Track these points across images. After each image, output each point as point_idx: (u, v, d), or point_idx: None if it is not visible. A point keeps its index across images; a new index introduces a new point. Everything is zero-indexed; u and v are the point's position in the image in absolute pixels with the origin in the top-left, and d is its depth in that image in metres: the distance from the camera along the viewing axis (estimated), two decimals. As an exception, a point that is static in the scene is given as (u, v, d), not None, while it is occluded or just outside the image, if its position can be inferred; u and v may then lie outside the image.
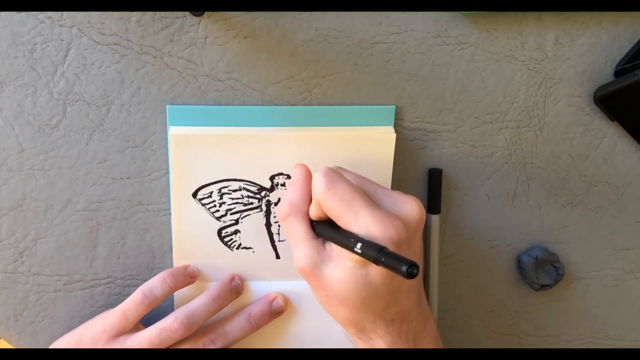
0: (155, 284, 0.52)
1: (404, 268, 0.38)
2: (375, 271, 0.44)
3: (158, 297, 0.52)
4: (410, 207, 0.45)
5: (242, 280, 0.55)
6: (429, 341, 0.49)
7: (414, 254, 0.46)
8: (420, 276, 0.49)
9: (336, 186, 0.45)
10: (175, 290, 0.53)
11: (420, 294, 0.49)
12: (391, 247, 0.42)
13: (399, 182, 0.55)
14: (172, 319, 0.51)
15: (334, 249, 0.45)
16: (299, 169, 0.49)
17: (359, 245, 0.42)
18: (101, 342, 0.52)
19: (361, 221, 0.43)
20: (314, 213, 0.47)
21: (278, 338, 0.57)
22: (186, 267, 0.54)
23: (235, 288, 0.55)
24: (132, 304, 0.52)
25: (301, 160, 0.51)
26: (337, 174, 0.46)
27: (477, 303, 0.61)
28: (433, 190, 0.56)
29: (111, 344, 0.52)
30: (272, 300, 0.55)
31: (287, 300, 0.56)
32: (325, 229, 0.46)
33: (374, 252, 0.41)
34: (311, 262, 0.45)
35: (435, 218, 0.56)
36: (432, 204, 0.56)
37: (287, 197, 0.48)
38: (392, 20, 0.51)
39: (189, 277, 0.54)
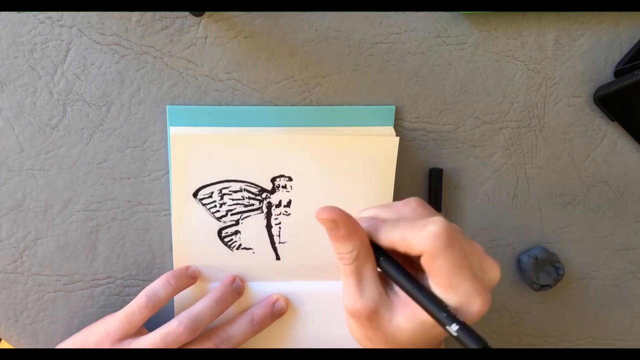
0: (158, 287, 0.52)
1: (479, 346, 0.38)
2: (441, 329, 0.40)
3: (162, 300, 0.52)
4: (494, 273, 0.42)
5: (243, 281, 0.55)
6: None
7: None
8: None
9: (455, 246, 0.39)
10: (179, 292, 0.53)
11: None
12: (475, 319, 0.40)
13: (400, 183, 0.55)
14: (177, 323, 0.51)
15: (400, 294, 0.42)
16: (339, 221, 0.41)
17: (456, 327, 0.39)
18: (105, 347, 0.52)
19: (462, 290, 0.39)
20: (389, 241, 0.41)
21: (279, 338, 0.57)
22: (187, 268, 0.54)
23: (236, 289, 0.55)
24: (137, 307, 0.52)
25: (302, 162, 0.51)
26: (458, 231, 0.41)
27: (477, 303, 0.61)
28: (434, 190, 0.56)
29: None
30: (274, 302, 0.55)
31: (288, 302, 0.56)
32: (400, 277, 0.41)
33: (452, 323, 0.38)
34: (374, 306, 0.42)
35: (435, 218, 0.56)
36: (433, 203, 0.56)
37: (355, 245, 0.42)
38: (392, 20, 0.51)
39: (190, 278, 0.54)
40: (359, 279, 0.42)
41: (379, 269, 0.43)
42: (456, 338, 0.38)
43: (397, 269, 0.42)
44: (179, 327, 0.51)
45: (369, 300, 0.41)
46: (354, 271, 0.42)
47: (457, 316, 0.39)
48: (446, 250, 0.39)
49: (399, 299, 0.42)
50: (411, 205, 0.44)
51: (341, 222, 0.41)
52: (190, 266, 0.54)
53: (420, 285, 0.41)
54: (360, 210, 0.46)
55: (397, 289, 0.42)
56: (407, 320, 0.41)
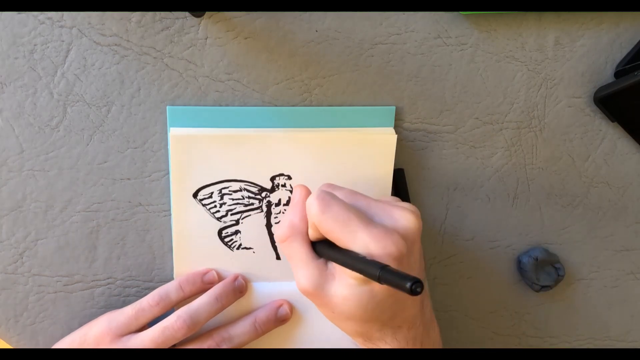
0: (171, 289, 0.53)
1: (408, 285, 0.38)
2: (379, 285, 0.43)
3: (173, 302, 0.53)
4: (406, 219, 0.45)
5: (246, 280, 0.55)
6: (432, 346, 0.49)
7: (415, 263, 0.46)
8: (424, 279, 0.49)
9: (330, 208, 0.44)
10: (192, 296, 0.54)
11: (423, 299, 0.49)
12: (392, 263, 0.42)
13: (399, 183, 0.55)
14: (175, 318, 0.51)
15: (335, 267, 0.45)
16: (298, 190, 0.49)
17: (360, 265, 0.42)
18: (105, 342, 0.52)
19: (359, 240, 0.43)
20: (312, 235, 0.47)
21: (279, 339, 0.57)
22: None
23: (238, 288, 0.54)
24: (147, 305, 0.52)
25: (301, 161, 0.52)
26: (329, 195, 0.45)
27: (478, 304, 0.61)
28: (399, 189, 0.55)
29: (115, 344, 0.52)
30: (279, 307, 0.55)
31: (292, 308, 0.56)
32: (326, 250, 0.46)
33: (376, 271, 0.40)
34: (314, 283, 0.45)
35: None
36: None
37: (287, 218, 0.48)
38: (392, 21, 0.51)
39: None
40: (297, 260, 0.46)
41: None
42: (383, 281, 0.40)
43: (321, 243, 0.46)
44: (177, 321, 0.51)
45: (310, 277, 0.45)
46: (290, 255, 0.47)
47: (377, 261, 0.41)
48: (320, 215, 0.44)
49: (335, 271, 0.45)
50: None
51: (304, 196, 0.47)
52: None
53: (339, 249, 0.44)
54: None
55: (330, 264, 0.46)
56: (345, 286, 0.44)
